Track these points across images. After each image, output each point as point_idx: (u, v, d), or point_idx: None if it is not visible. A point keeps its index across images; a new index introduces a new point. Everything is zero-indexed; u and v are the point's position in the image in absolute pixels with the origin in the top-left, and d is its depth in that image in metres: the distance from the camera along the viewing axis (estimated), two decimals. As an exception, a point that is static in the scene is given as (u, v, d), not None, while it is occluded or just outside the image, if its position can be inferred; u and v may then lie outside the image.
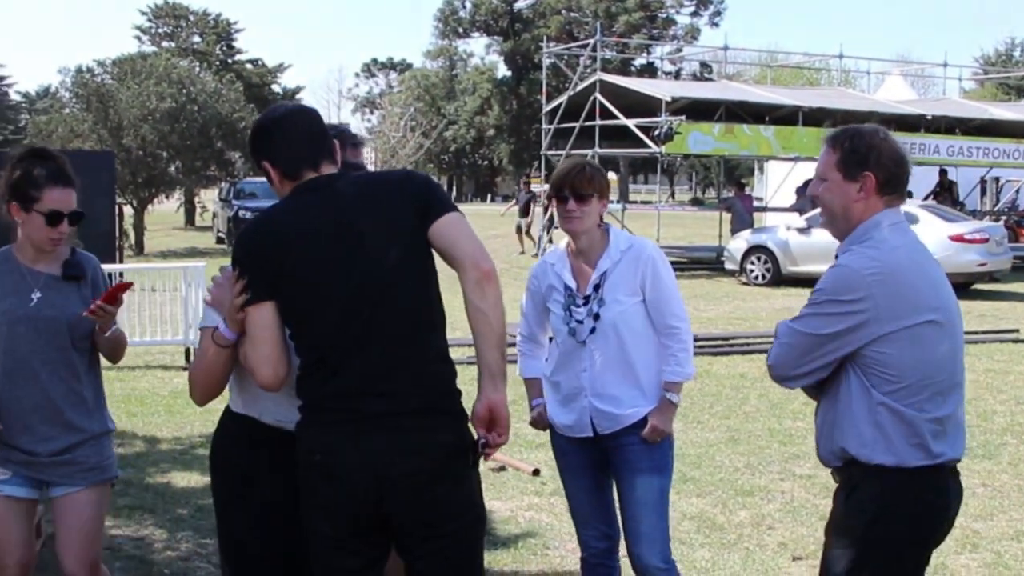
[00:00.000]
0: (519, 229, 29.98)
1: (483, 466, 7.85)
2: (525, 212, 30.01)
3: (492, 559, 6.22)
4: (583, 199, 4.59)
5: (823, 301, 3.51)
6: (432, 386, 3.45)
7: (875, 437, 3.49)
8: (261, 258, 3.43)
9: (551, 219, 28.36)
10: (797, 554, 6.35)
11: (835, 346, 3.49)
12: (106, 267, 13.20)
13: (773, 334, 3.68)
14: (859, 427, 3.51)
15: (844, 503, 3.63)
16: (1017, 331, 15.32)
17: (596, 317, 4.59)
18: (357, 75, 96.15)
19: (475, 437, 3.49)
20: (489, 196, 77.73)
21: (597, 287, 4.63)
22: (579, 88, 27.68)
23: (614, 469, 4.73)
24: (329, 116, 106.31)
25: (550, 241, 28.38)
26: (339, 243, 3.38)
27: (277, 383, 3.48)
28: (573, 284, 4.68)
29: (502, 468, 8.12)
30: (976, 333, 14.65)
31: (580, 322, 4.63)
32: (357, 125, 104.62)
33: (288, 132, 3.57)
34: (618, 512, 4.80)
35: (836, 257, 3.62)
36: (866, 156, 3.58)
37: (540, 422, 4.93)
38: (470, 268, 3.37)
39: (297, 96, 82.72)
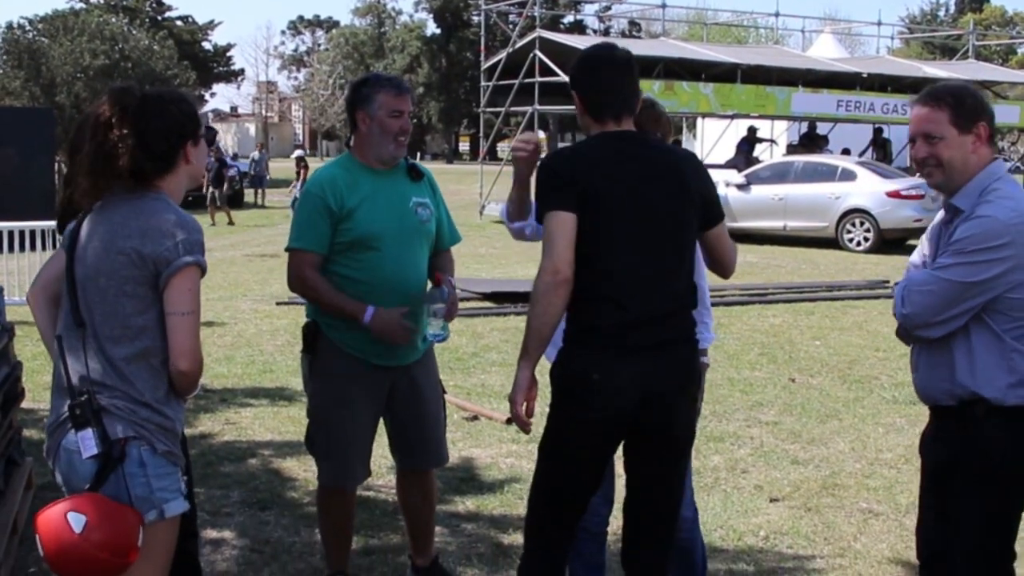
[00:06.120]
0: (212, 201, 27.08)
1: (456, 415, 8.13)
2: (217, 183, 26.99)
3: (480, 504, 6.36)
4: None
5: (972, 250, 3.64)
6: (689, 323, 4.01)
7: (1009, 380, 3.67)
8: (574, 178, 3.82)
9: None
10: (774, 496, 6.54)
11: (980, 291, 3.63)
12: (45, 224, 13.11)
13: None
14: (992, 371, 3.69)
15: (961, 443, 3.78)
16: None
17: None
18: (283, 32, 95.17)
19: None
20: (418, 154, 77.43)
21: None
22: (518, 46, 27.62)
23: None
24: (258, 74, 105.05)
25: None
26: (645, 194, 3.86)
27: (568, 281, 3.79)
28: None
29: (475, 417, 8.23)
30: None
31: None
32: (285, 83, 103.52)
33: (606, 77, 3.98)
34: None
35: (945, 210, 3.84)
36: (977, 107, 3.77)
37: None
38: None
39: (228, 54, 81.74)
